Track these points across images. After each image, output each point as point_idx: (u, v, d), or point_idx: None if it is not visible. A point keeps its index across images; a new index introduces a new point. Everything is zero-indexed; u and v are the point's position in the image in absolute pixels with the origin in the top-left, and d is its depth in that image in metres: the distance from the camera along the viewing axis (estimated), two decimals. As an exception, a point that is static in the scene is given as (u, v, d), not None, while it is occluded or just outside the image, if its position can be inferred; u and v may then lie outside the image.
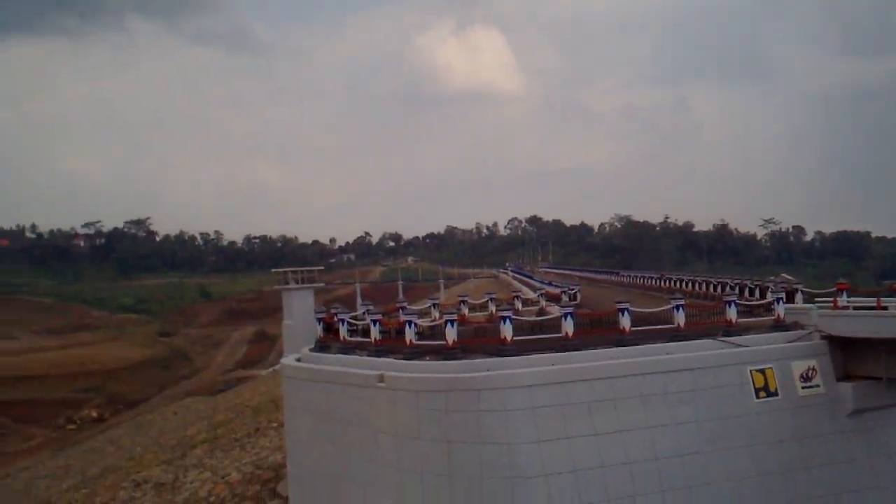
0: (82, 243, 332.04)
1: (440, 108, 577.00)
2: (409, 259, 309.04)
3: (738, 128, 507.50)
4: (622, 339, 24.00)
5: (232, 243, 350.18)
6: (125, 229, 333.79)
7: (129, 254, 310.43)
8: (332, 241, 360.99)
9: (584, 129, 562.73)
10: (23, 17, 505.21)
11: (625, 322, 24.24)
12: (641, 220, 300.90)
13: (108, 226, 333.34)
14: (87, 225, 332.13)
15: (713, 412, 23.18)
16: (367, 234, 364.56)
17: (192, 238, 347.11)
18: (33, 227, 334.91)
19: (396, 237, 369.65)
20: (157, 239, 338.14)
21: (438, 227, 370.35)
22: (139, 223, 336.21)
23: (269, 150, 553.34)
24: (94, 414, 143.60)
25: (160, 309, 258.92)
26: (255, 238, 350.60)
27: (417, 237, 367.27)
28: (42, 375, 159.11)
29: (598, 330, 25.04)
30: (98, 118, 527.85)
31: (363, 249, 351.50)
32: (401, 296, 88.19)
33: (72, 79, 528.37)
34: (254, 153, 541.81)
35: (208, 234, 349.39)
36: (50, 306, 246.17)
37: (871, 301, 27.41)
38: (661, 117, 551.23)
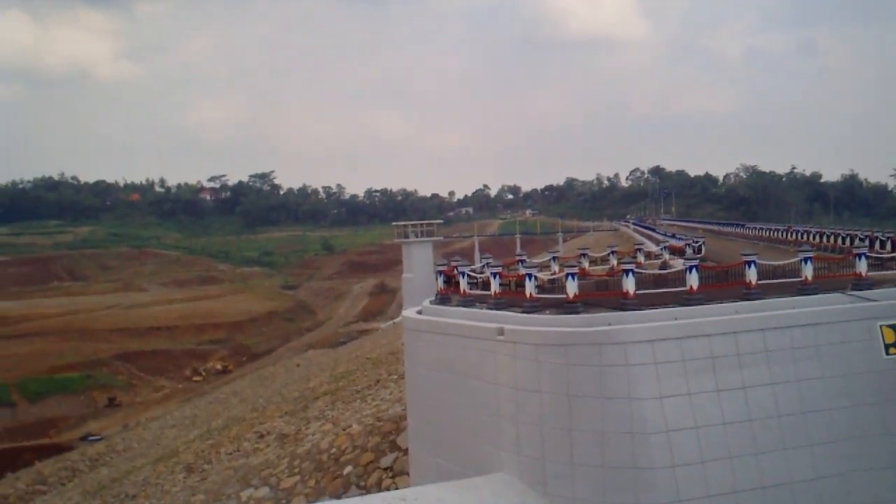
0: (208, 197, 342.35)
1: (559, 54, 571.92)
2: (528, 212, 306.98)
3: (869, 73, 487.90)
4: (748, 293, 23.40)
5: (353, 196, 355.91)
6: (250, 183, 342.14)
7: (253, 207, 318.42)
8: (451, 194, 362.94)
9: (709, 75, 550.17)
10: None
11: (751, 275, 23.59)
12: (767, 171, 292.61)
13: (233, 180, 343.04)
14: (212, 179, 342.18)
15: (839, 368, 22.44)
16: (485, 186, 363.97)
17: (315, 191, 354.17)
18: (162, 181, 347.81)
19: (515, 189, 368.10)
20: (281, 192, 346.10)
21: (557, 179, 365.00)
22: (263, 177, 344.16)
23: (387, 101, 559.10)
24: (220, 366, 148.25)
25: (284, 262, 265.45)
26: (376, 191, 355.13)
27: (536, 189, 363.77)
28: (170, 327, 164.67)
29: (723, 283, 24.43)
30: (220, 72, 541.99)
31: (481, 202, 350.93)
32: (518, 249, 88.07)
33: (193, 32, 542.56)
34: (372, 105, 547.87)
35: (330, 188, 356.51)
36: (177, 259, 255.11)
37: None
38: (789, 62, 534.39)
